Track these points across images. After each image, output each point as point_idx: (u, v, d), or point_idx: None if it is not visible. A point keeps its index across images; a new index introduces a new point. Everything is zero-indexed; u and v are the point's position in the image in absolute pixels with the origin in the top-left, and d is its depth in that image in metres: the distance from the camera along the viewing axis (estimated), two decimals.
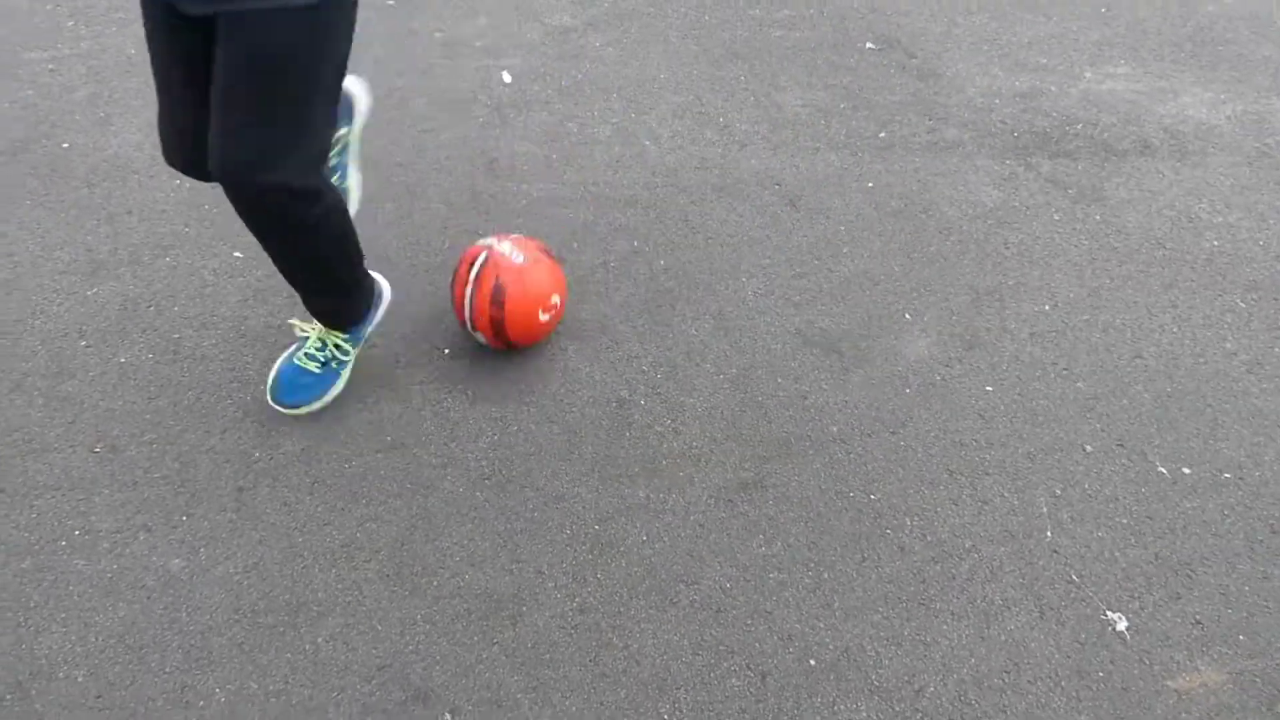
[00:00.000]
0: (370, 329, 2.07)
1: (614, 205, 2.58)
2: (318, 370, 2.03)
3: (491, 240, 2.10)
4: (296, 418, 2.03)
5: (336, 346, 2.03)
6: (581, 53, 3.14)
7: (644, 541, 1.88)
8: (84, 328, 2.20)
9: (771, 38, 3.25)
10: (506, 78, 3.01)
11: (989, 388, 2.17)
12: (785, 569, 1.85)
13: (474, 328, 2.08)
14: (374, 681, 1.68)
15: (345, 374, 2.06)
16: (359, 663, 1.70)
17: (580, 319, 2.27)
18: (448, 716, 1.65)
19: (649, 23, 3.30)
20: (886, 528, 1.91)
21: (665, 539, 1.89)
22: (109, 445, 1.99)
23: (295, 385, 2.02)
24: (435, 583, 1.81)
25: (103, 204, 2.50)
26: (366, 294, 2.02)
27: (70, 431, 2.00)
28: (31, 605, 1.74)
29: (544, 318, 2.08)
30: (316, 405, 2.03)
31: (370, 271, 2.03)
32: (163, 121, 1.74)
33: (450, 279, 2.14)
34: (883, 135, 2.85)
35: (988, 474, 2.01)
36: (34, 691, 1.64)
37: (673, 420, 2.09)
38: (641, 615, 1.78)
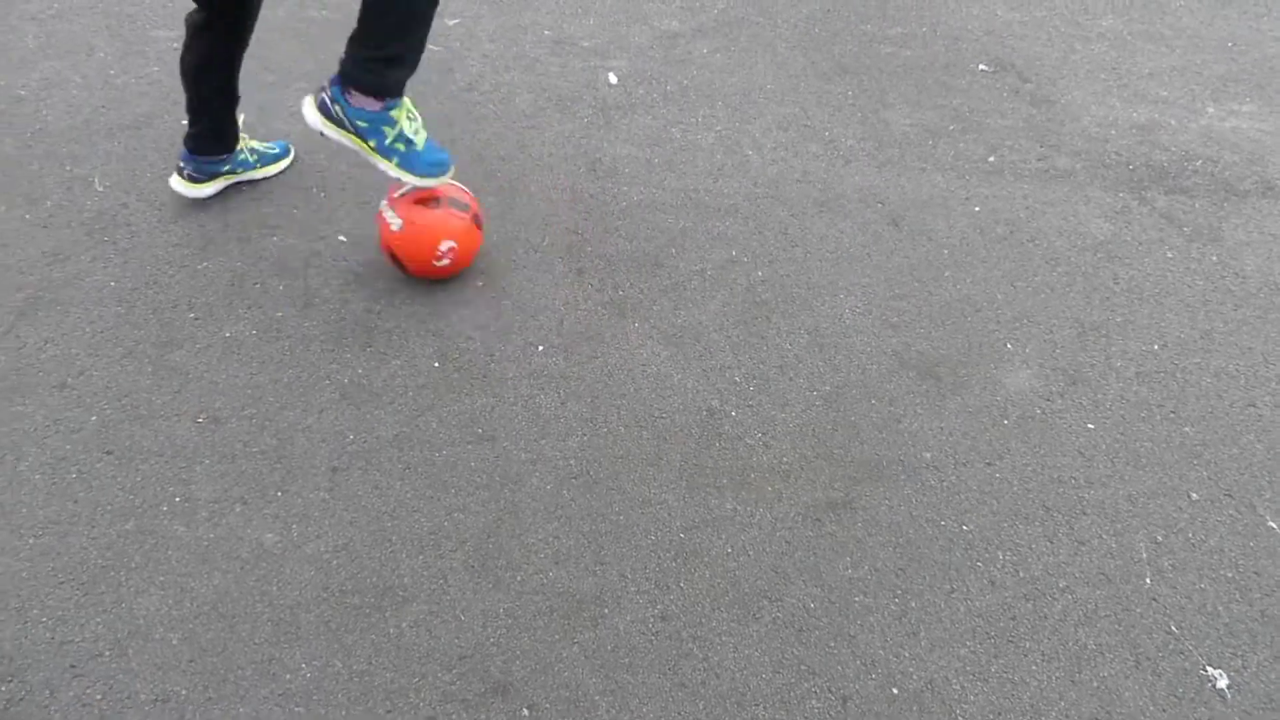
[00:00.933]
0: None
1: (714, 213, 2.57)
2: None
3: (383, 202, 2.23)
4: (391, 396, 2.06)
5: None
6: (688, 58, 3.14)
7: (729, 554, 1.87)
8: (193, 300, 2.26)
9: (881, 54, 3.21)
10: (613, 79, 3.02)
11: (1090, 425, 2.10)
12: (871, 594, 1.81)
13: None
14: (455, 671, 1.69)
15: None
16: (441, 651, 1.72)
17: (675, 325, 2.26)
18: (525, 712, 1.65)
19: (758, 32, 3.28)
20: (977, 560, 1.87)
21: (750, 553, 1.87)
22: (211, 416, 2.04)
23: (439, 149, 2.14)
24: (519, 578, 1.82)
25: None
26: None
27: (176, 400, 2.06)
28: (133, 566, 1.79)
29: (442, 263, 2.25)
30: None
31: None
32: None
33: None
34: (991, 160, 2.78)
35: (1085, 514, 1.94)
36: (130, 650, 1.69)
37: (763, 434, 2.07)
38: (723, 628, 1.76)
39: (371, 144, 2.04)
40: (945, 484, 1.99)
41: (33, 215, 2.41)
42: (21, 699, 1.62)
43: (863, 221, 2.58)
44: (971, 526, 1.92)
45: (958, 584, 1.83)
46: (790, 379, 2.18)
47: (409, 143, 2.07)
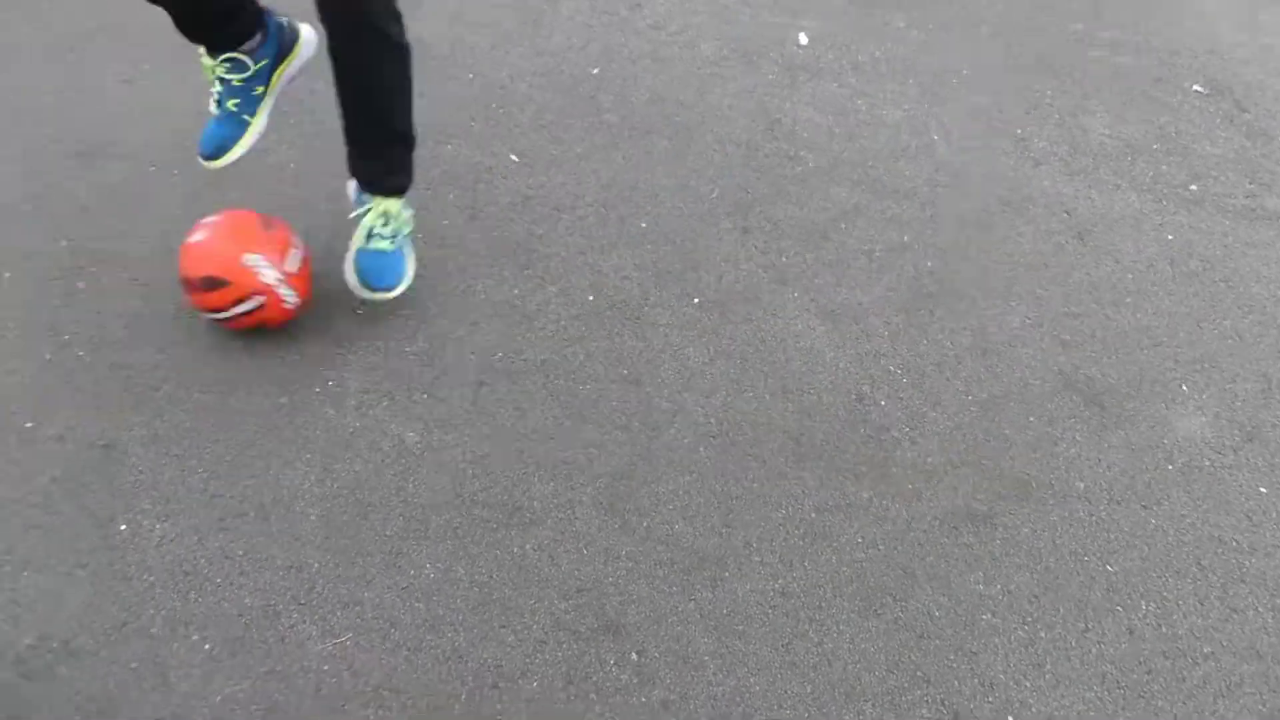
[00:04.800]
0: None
1: (890, 194, 2.49)
2: (389, 247, 1.99)
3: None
4: (543, 322, 2.06)
5: (397, 217, 1.98)
6: (884, 29, 3.02)
7: (858, 543, 1.83)
8: None
9: (1089, 57, 3.04)
10: (803, 39, 2.93)
11: (1263, 489, 1.97)
12: (1000, 615, 1.75)
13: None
14: (571, 601, 1.70)
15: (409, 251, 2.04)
16: (560, 579, 1.73)
17: (835, 302, 2.21)
18: (634, 656, 1.65)
19: (960, 13, 3.14)
20: (1118, 604, 1.78)
21: (881, 547, 1.82)
22: (370, 311, 2.07)
23: (378, 268, 1.97)
24: (645, 524, 1.81)
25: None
26: (411, 168, 1.98)
27: (338, 289, 2.09)
28: (284, 438, 1.85)
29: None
30: (401, 287, 2.01)
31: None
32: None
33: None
34: (1194, 188, 2.62)
35: (1243, 581, 1.83)
36: (272, 517, 1.75)
37: (911, 429, 2.00)
38: (842, 616, 1.73)
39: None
40: (1095, 518, 1.90)
41: None
42: (172, 539, 1.70)
43: (1046, 229, 2.46)
44: (1117, 568, 1.83)
45: (1093, 624, 1.75)
46: (947, 378, 2.10)
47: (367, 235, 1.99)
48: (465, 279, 2.15)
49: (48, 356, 1.92)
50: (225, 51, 1.79)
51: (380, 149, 1.94)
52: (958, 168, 2.59)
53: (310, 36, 1.93)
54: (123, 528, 1.72)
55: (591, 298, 2.15)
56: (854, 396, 2.05)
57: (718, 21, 2.93)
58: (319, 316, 2.03)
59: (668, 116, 2.59)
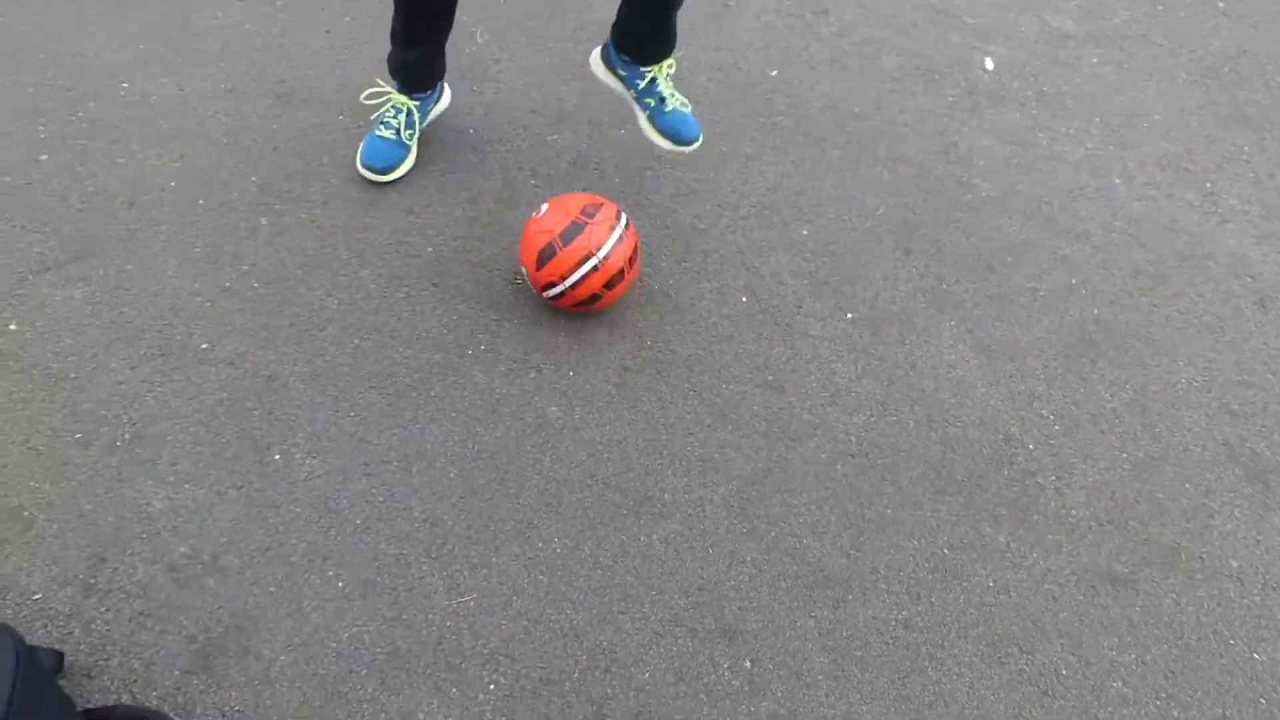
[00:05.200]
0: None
1: (1062, 233, 2.39)
2: (684, 107, 2.17)
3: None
4: (694, 316, 2.06)
5: (671, 76, 2.16)
6: (1075, 63, 2.91)
7: (989, 587, 1.77)
8: (536, 168, 2.34)
9: None
10: (989, 64, 2.85)
11: None
12: (1132, 685, 1.67)
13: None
14: (691, 599, 1.70)
15: None
16: (683, 575, 1.73)
17: (993, 337, 2.14)
18: (747, 664, 1.64)
19: (1158, 54, 2.99)
20: (1261, 695, 1.68)
21: (1013, 594, 1.76)
22: (527, 282, 2.11)
23: (686, 121, 2.15)
24: (774, 533, 1.80)
25: (582, 61, 2.62)
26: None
27: (500, 256, 2.15)
28: (432, 394, 1.90)
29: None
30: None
31: None
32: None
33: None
34: None
35: None
36: (414, 469, 1.80)
37: (1058, 478, 1.93)
38: (964, 659, 1.68)
39: (631, 91, 2.17)
40: (1246, 601, 1.79)
41: None
42: (320, 476, 1.77)
43: (1225, 290, 2.33)
44: (1264, 657, 1.73)
45: (1232, 712, 1.66)
46: (1102, 432, 2.02)
47: (660, 100, 2.14)
48: None
49: (227, 284, 2.02)
50: (421, 94, 2.22)
51: (664, 27, 2.08)
52: (1137, 214, 2.48)
53: (447, 95, 2.35)
54: (276, 457, 1.80)
55: (745, 299, 2.14)
56: (1001, 436, 1.98)
57: (903, 37, 2.87)
58: (479, 282, 2.08)
59: (841, 126, 2.55)
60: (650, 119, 2.17)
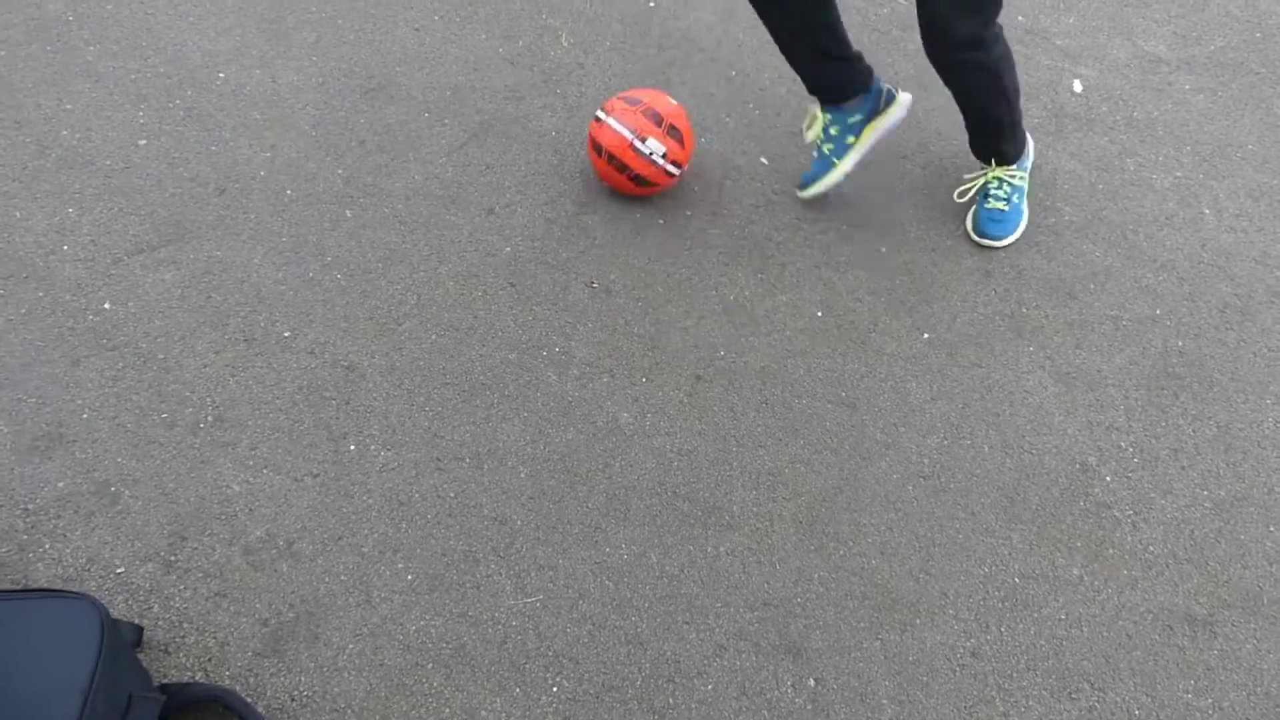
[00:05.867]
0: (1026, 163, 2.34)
1: (1147, 262, 2.34)
2: (1005, 207, 2.28)
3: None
4: (769, 328, 2.06)
5: (1010, 180, 2.28)
6: (1166, 89, 2.84)
7: (1061, 620, 1.74)
8: None
9: None
10: (1077, 87, 2.80)
11: None
12: None
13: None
14: (756, 613, 1.69)
15: (1024, 203, 2.35)
16: (749, 589, 1.72)
17: (1072, 364, 2.10)
18: (811, 683, 1.63)
19: (1254, 83, 2.91)
20: None
21: (1084, 629, 1.73)
22: (604, 286, 2.12)
23: (994, 221, 2.28)
24: (841, 552, 1.78)
25: (664, 70, 2.63)
26: (1022, 137, 2.28)
27: (578, 259, 2.16)
28: (506, 393, 1.92)
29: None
30: (1014, 236, 2.32)
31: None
32: None
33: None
34: None
35: None
36: (485, 467, 1.82)
37: (1135, 512, 1.89)
38: (1033, 691, 1.65)
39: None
40: None
41: (505, 50, 2.58)
42: (393, 468, 1.79)
43: None
44: None
45: None
46: (1183, 467, 1.96)
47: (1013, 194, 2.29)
48: (700, 272, 2.17)
49: (310, 274, 2.06)
50: (832, 104, 2.16)
51: (984, 131, 2.24)
52: (1226, 246, 2.41)
53: (905, 102, 2.21)
54: (352, 447, 1.82)
55: (820, 314, 2.13)
56: (1078, 466, 1.95)
57: None
58: (555, 284, 2.10)
59: (924, 145, 2.53)
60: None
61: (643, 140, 2.11)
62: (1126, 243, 2.39)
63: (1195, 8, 3.08)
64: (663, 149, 2.12)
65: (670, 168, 2.16)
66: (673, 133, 2.14)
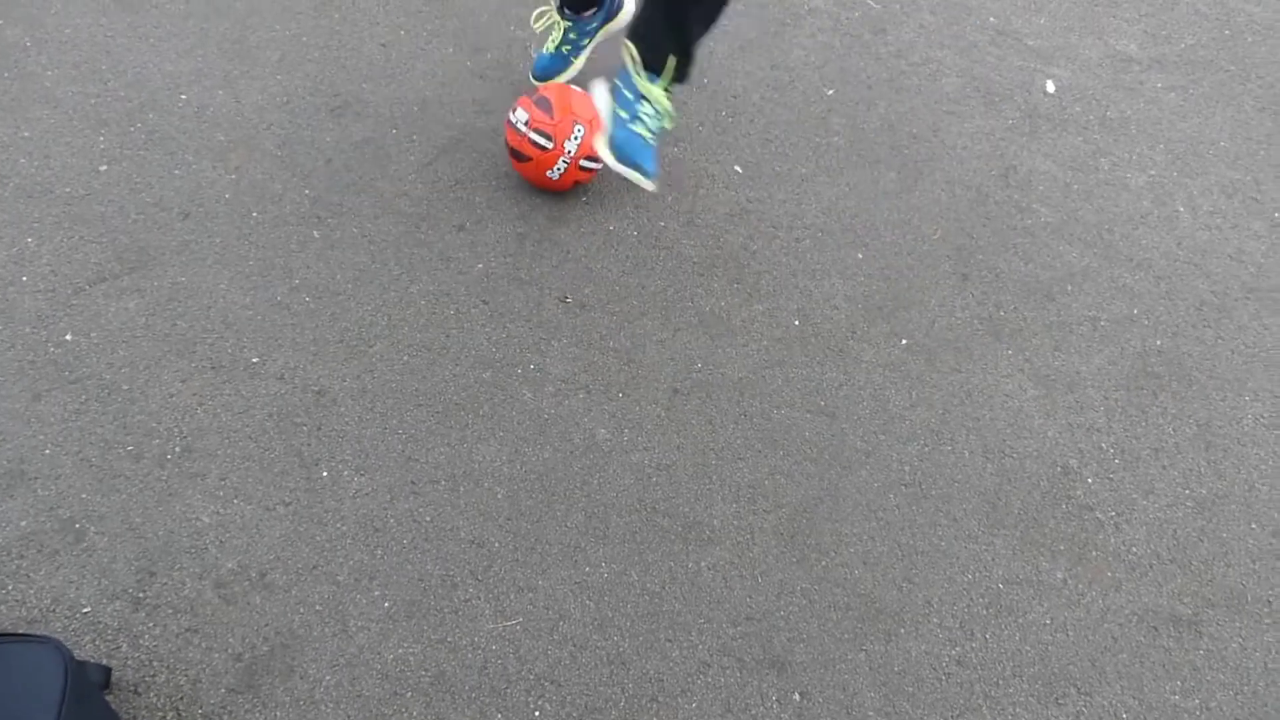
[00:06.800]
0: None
1: (1124, 261, 2.34)
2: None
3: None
4: (745, 339, 2.04)
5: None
6: (1138, 88, 2.85)
7: (1046, 625, 1.72)
8: (587, 185, 2.33)
9: None
10: (1050, 87, 2.80)
11: None
12: None
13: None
14: (739, 628, 1.67)
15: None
16: (731, 603, 1.70)
17: (1051, 367, 2.09)
18: (796, 697, 1.60)
19: (1225, 80, 2.92)
20: None
21: (1070, 632, 1.71)
22: (578, 300, 2.09)
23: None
24: (824, 563, 1.76)
25: None
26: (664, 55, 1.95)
27: (551, 274, 2.13)
28: (481, 413, 1.89)
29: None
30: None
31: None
32: None
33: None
34: None
35: None
36: (461, 489, 1.79)
37: (1118, 513, 1.87)
38: (1019, 698, 1.63)
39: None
40: None
41: (473, 64, 2.55)
42: (367, 494, 1.76)
43: None
44: None
45: None
46: (1164, 467, 1.96)
47: (630, 119, 1.92)
48: (675, 283, 2.15)
49: (278, 297, 2.02)
50: (575, 13, 2.35)
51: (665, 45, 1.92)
52: (1202, 244, 2.41)
53: (629, 9, 2.42)
54: (324, 474, 1.79)
55: (797, 322, 2.11)
56: (1059, 469, 1.93)
57: (963, 58, 2.82)
58: (528, 300, 2.07)
59: (898, 148, 2.52)
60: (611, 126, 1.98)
61: (513, 112, 2.16)
62: (1103, 242, 2.38)
63: (1164, 6, 3.09)
64: (525, 116, 2.12)
65: (535, 136, 2.11)
66: (541, 103, 2.13)
